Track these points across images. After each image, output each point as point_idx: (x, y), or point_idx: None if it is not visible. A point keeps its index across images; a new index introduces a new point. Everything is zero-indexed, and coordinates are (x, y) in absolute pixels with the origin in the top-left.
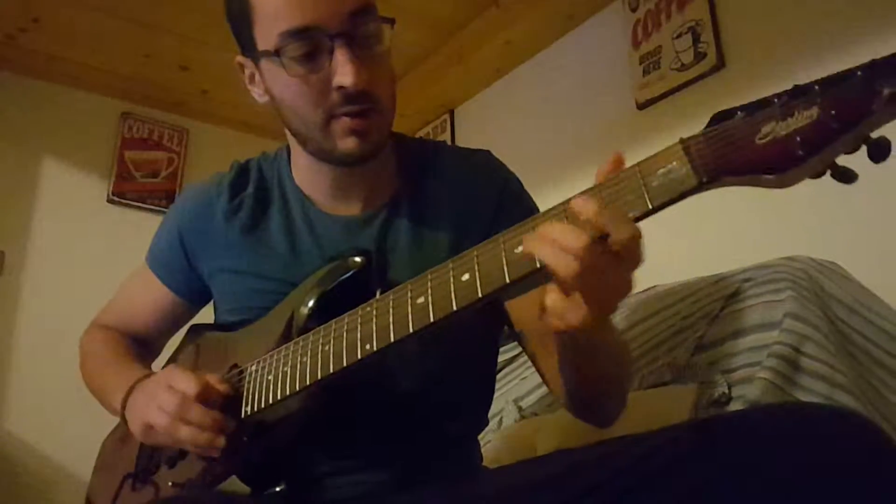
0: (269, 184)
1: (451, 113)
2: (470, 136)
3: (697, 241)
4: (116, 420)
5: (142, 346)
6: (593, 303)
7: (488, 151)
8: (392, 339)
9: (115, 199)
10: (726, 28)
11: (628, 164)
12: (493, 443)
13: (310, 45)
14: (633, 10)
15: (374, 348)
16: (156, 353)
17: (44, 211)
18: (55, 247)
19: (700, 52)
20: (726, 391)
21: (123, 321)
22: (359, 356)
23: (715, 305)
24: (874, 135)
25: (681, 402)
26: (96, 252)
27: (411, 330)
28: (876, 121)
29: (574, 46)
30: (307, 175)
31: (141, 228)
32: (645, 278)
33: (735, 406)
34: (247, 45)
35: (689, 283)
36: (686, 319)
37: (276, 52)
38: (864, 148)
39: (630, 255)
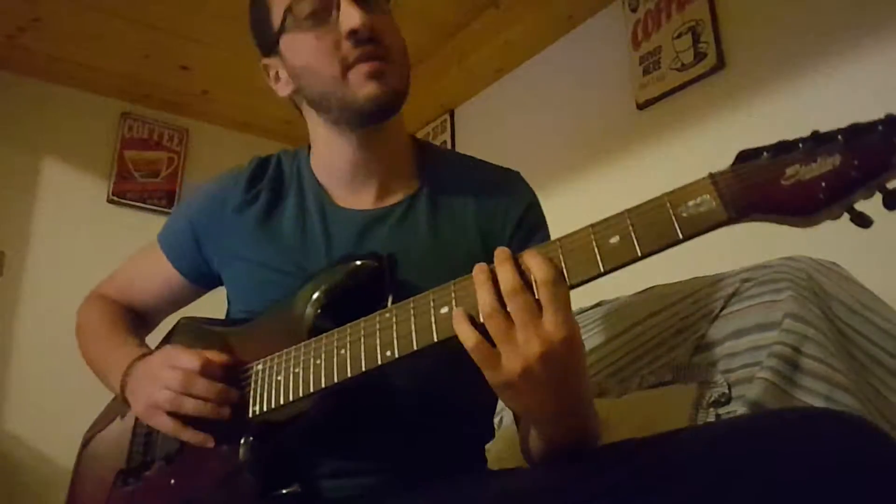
0: (288, 175)
1: (451, 113)
2: (470, 136)
3: (697, 241)
4: None
5: (138, 320)
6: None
7: (519, 172)
8: (415, 347)
9: (115, 199)
10: (726, 28)
11: (629, 164)
12: (493, 443)
13: (317, 2)
14: (633, 11)
15: (396, 355)
16: (151, 328)
17: (44, 211)
18: (55, 247)
19: (700, 52)
20: (726, 391)
21: (125, 293)
22: (379, 362)
23: (715, 305)
24: (890, 185)
25: (681, 402)
26: (96, 252)
27: (435, 339)
28: (893, 173)
29: (574, 46)
30: (325, 160)
31: (141, 228)
32: (645, 278)
33: (735, 406)
34: (268, 42)
35: (689, 283)
36: (686, 319)
37: (286, 17)
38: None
39: (549, 304)
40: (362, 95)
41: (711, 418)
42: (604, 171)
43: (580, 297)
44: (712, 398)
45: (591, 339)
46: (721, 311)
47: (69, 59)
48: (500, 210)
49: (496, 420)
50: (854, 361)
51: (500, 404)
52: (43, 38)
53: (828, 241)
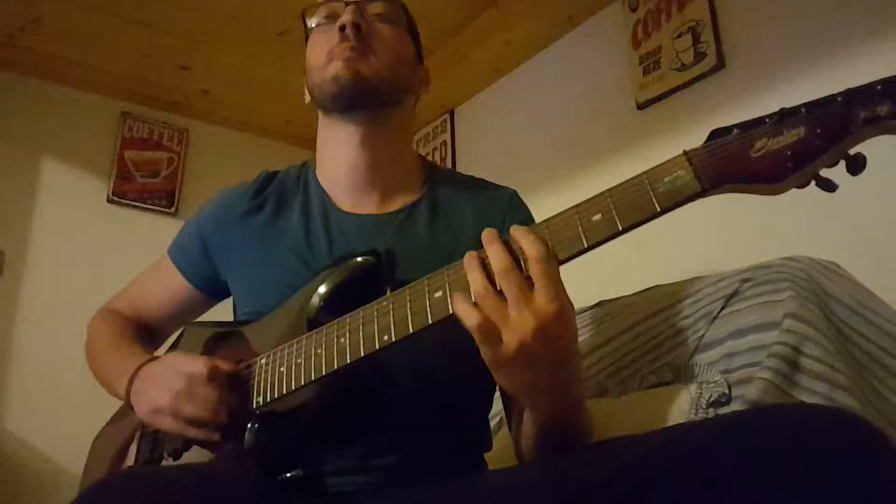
0: (294, 183)
1: (451, 113)
2: (470, 136)
3: (697, 241)
4: None
5: (148, 333)
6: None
7: (515, 191)
8: (411, 330)
9: (115, 199)
10: (726, 28)
11: (629, 164)
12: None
13: (331, 9)
14: (633, 10)
15: (393, 339)
16: (161, 342)
17: (44, 211)
18: (55, 247)
19: (700, 52)
20: (726, 391)
21: (135, 306)
22: (377, 346)
23: (715, 305)
24: (852, 151)
25: (681, 402)
26: (96, 252)
27: (430, 321)
28: (854, 139)
29: (574, 46)
30: (328, 165)
31: (141, 228)
32: (645, 278)
33: (735, 406)
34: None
35: (689, 283)
36: (686, 319)
37: (305, 17)
38: (843, 162)
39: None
40: (331, 73)
41: None
42: (604, 171)
43: (580, 297)
44: (712, 398)
45: (591, 339)
46: (721, 311)
47: (69, 59)
48: (497, 223)
49: (494, 422)
50: (854, 361)
51: (497, 406)
52: (43, 38)
53: (828, 241)
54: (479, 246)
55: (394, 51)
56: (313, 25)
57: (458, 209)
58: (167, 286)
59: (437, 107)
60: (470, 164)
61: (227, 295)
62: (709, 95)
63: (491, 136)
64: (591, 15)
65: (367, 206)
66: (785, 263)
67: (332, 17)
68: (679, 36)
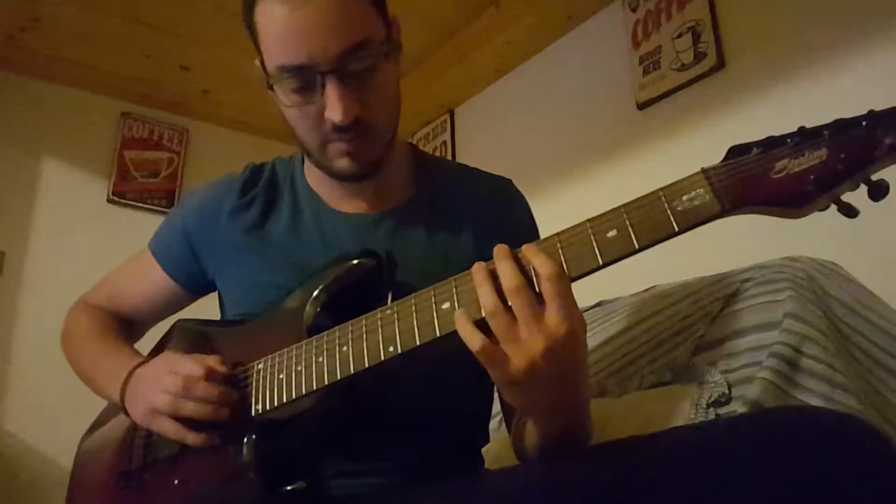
0: (282, 181)
1: (451, 113)
2: (470, 137)
3: (697, 241)
4: None
5: (127, 328)
6: (521, 358)
7: (511, 180)
8: (418, 342)
9: (115, 199)
10: (726, 28)
11: (629, 164)
12: (493, 443)
13: (302, 80)
14: (633, 10)
15: (399, 350)
16: (139, 336)
17: (44, 211)
18: (55, 247)
19: (700, 52)
20: (726, 391)
21: (114, 301)
22: (382, 357)
23: (715, 305)
24: (874, 177)
25: (681, 402)
26: (96, 252)
27: (438, 334)
28: (878, 165)
29: (574, 46)
30: (318, 174)
31: (141, 228)
32: (645, 278)
33: (735, 406)
34: (261, 60)
35: (689, 283)
36: (686, 319)
37: (272, 85)
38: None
39: (551, 300)
40: (337, 167)
41: (711, 418)
42: (604, 171)
43: (580, 298)
44: (712, 398)
45: (591, 339)
46: (721, 311)
47: (69, 59)
48: (496, 216)
49: (496, 420)
50: (854, 361)
51: (497, 405)
52: (43, 38)
53: (828, 241)
54: (476, 244)
55: (389, 109)
56: (285, 92)
57: (454, 204)
58: (149, 281)
59: (437, 107)
60: (470, 164)
61: (212, 290)
62: (709, 95)
63: (491, 136)
64: (591, 15)
65: (360, 205)
66: (785, 263)
67: (307, 87)
68: (679, 36)
